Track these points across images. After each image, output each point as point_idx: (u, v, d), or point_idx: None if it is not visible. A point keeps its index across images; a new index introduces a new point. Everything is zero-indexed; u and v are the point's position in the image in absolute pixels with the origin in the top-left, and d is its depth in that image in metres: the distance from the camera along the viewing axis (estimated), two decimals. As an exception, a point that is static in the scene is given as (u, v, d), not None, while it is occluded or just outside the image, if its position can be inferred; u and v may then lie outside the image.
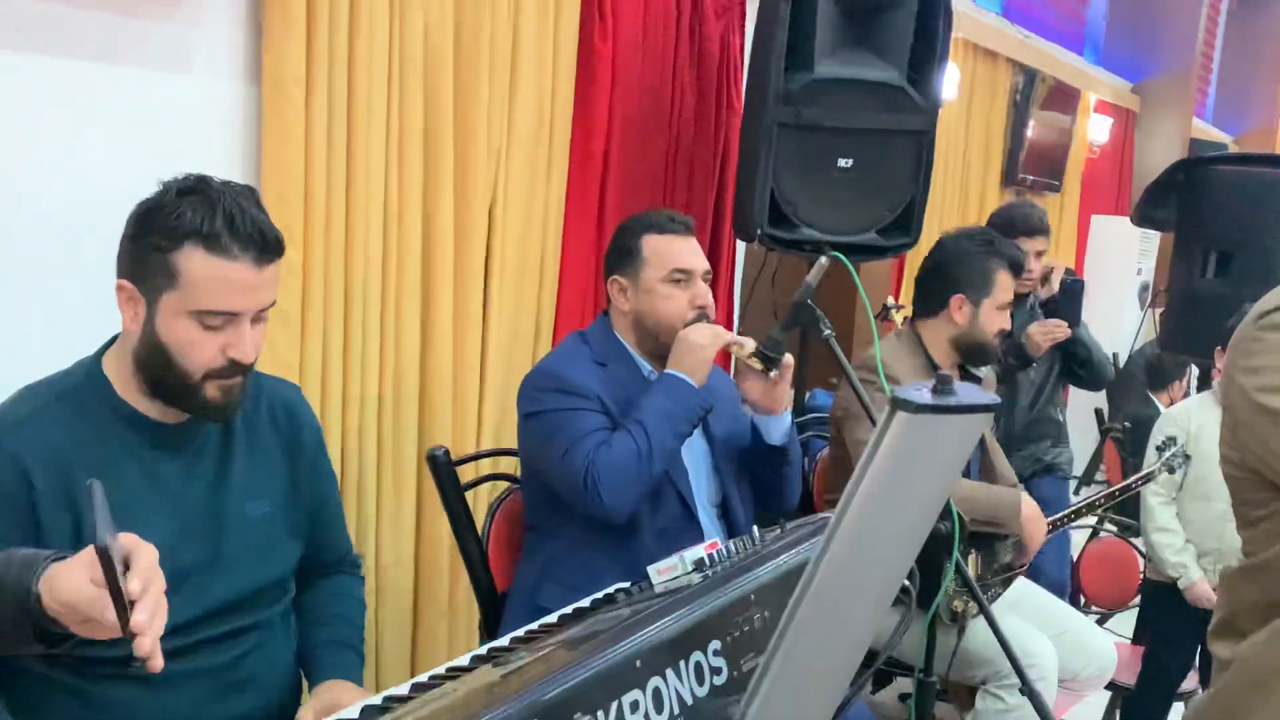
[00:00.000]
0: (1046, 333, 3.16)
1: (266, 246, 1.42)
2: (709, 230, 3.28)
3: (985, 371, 2.71)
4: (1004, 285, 2.56)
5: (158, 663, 1.00)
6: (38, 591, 1.08)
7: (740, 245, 3.51)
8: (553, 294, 2.83)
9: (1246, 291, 3.70)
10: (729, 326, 3.47)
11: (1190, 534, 3.03)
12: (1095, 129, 6.59)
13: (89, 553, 1.04)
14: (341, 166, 2.23)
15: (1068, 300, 3.31)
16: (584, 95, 2.80)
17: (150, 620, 0.99)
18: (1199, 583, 2.97)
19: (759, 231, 2.83)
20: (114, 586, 0.97)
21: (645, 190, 3.06)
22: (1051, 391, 3.47)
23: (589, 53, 2.78)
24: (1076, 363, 3.45)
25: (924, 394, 0.97)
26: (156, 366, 1.44)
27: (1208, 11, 7.65)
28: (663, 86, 3.04)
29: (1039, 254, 3.31)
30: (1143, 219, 4.13)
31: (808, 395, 3.33)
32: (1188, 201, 3.88)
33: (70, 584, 1.05)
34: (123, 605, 0.97)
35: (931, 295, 2.58)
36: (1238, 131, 10.29)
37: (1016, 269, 2.63)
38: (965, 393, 0.98)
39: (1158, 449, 2.98)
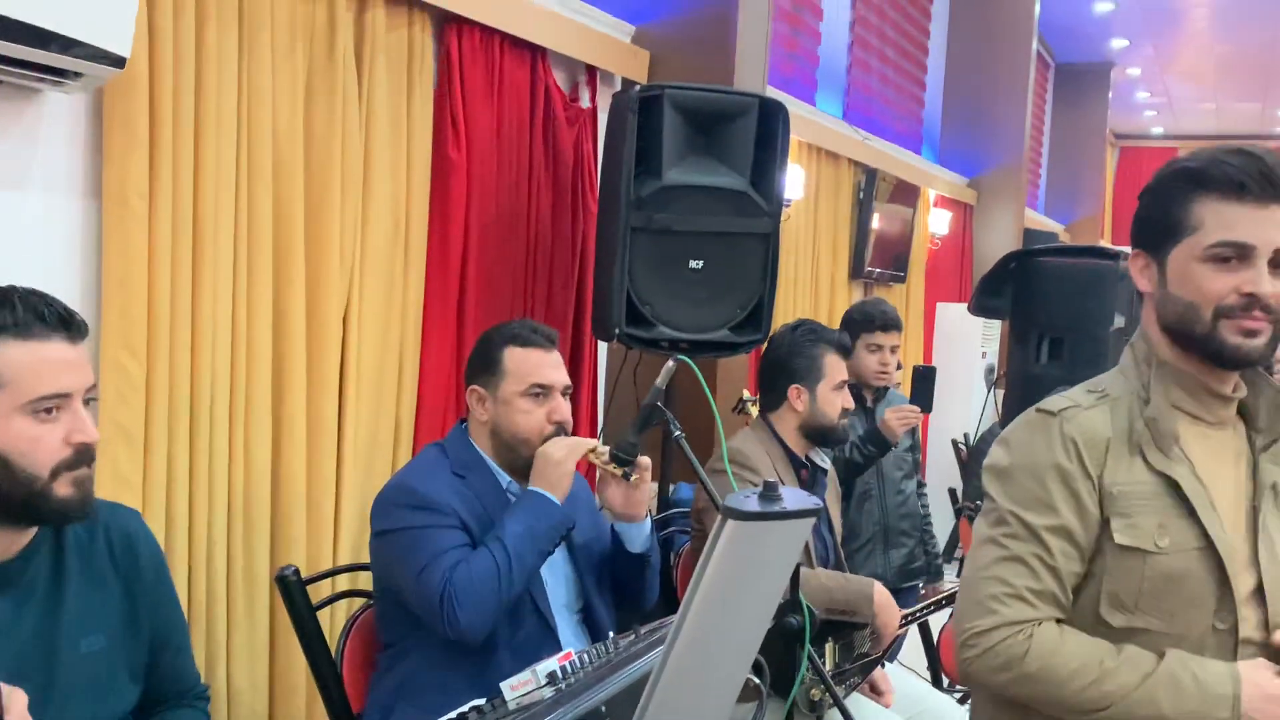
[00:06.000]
0: (901, 418, 3.25)
1: (73, 325, 1.43)
2: (570, 330, 3.32)
3: (829, 465, 2.81)
4: (834, 367, 2.71)
5: None
6: None
7: (601, 343, 3.56)
8: (412, 401, 2.81)
9: (1079, 374, 3.96)
10: (594, 426, 3.50)
11: None
12: (936, 222, 6.97)
13: None
14: (187, 279, 2.18)
15: (920, 385, 3.45)
16: (439, 202, 2.83)
17: None
18: None
19: (617, 331, 2.89)
20: None
21: (505, 293, 3.08)
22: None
23: (443, 160, 2.82)
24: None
25: (752, 501, 1.01)
26: (1, 483, 1.37)
27: (1034, 110, 8.24)
28: (518, 192, 3.10)
29: (894, 348, 3.46)
30: (979, 308, 4.37)
31: (671, 489, 3.37)
32: (1020, 291, 4.13)
33: None
34: None
35: (772, 388, 2.72)
36: (1068, 221, 11.03)
37: (844, 350, 2.78)
38: (791, 498, 1.03)
39: None
